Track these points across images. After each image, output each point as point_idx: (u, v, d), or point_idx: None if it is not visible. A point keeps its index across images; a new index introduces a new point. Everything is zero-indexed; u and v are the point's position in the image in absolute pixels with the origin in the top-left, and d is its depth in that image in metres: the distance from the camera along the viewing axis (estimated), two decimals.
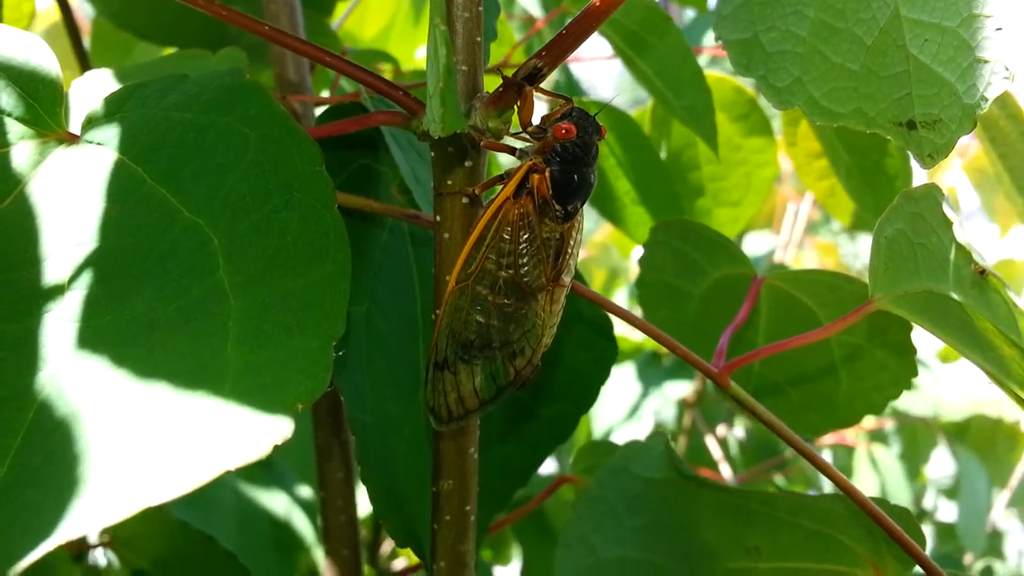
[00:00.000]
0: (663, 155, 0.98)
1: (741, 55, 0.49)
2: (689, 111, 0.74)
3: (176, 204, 0.38)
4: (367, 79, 0.44)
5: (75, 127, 0.44)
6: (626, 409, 1.61)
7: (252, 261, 0.37)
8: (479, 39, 0.44)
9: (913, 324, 0.60)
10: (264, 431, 0.32)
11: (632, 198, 0.87)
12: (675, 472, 0.61)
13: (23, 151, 0.41)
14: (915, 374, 0.61)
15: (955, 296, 0.39)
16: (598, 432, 1.60)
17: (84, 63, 0.89)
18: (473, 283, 0.44)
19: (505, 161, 1.09)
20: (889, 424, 1.81)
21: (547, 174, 0.43)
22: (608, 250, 2.00)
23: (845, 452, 1.67)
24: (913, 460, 1.82)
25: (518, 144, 0.45)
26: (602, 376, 0.62)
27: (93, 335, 0.36)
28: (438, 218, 0.46)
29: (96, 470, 0.32)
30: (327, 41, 0.76)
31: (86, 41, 1.02)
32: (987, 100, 0.40)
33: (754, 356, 0.48)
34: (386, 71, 0.88)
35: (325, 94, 0.87)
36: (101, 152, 0.41)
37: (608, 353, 0.62)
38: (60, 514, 0.31)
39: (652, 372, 1.59)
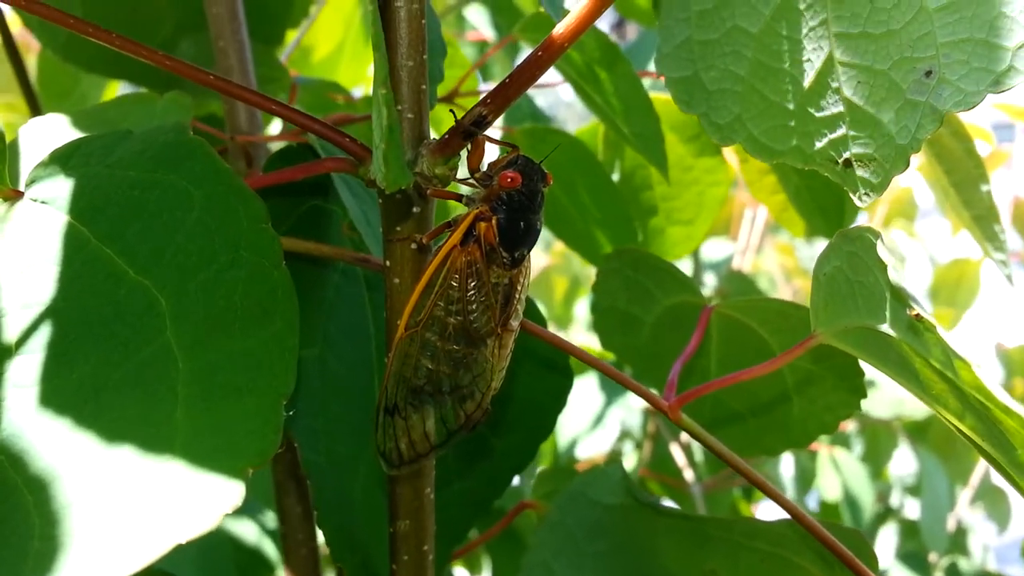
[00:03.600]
0: (616, 176, 0.98)
1: (683, 92, 0.50)
2: (639, 138, 0.74)
3: (122, 265, 0.38)
4: (313, 127, 0.44)
5: (21, 182, 0.43)
6: (590, 419, 1.62)
7: (200, 322, 0.37)
8: (424, 87, 0.44)
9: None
10: (214, 501, 0.32)
11: (586, 221, 0.88)
12: (632, 498, 0.62)
13: None
14: (864, 395, 0.62)
15: (892, 333, 0.40)
16: (563, 442, 1.61)
17: (28, 90, 0.88)
18: (422, 329, 0.44)
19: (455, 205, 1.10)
20: (851, 426, 1.83)
21: (494, 222, 0.44)
22: (570, 259, 2.01)
23: (808, 456, 1.69)
24: (875, 461, 1.84)
25: (465, 190, 0.46)
26: (557, 406, 0.63)
27: (40, 401, 0.36)
28: (388, 263, 0.46)
29: (47, 544, 0.32)
30: (275, 74, 0.76)
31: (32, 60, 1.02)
32: (919, 141, 0.41)
33: (704, 390, 0.49)
34: (338, 99, 0.88)
35: (277, 123, 0.87)
36: (45, 211, 0.41)
37: (563, 384, 0.62)
38: None
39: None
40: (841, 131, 0.44)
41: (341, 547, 0.52)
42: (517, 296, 0.46)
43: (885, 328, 0.41)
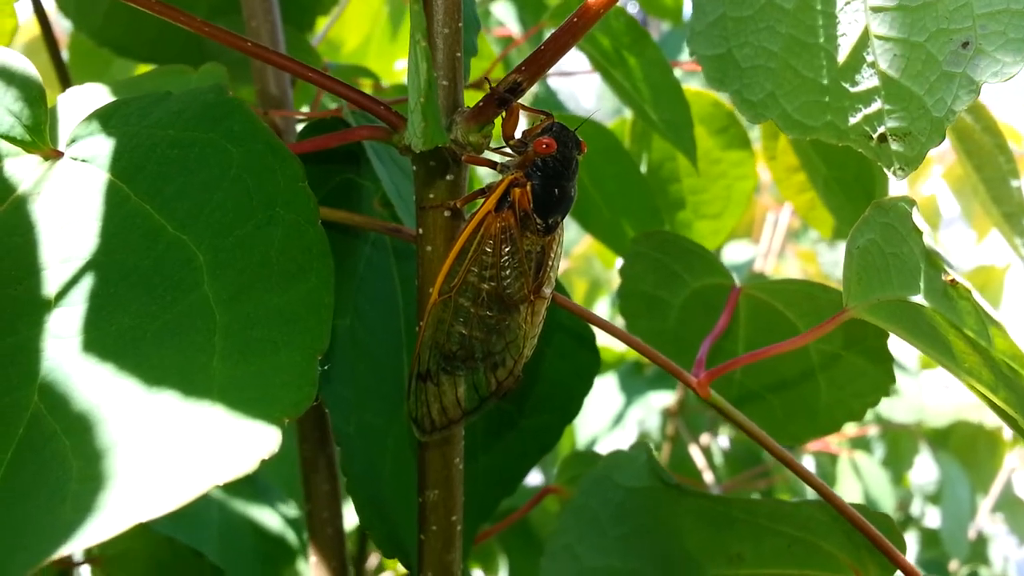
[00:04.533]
0: (643, 168, 0.99)
1: (715, 70, 0.49)
2: (668, 125, 0.75)
3: (161, 220, 0.39)
4: (349, 94, 0.45)
5: (60, 144, 0.44)
6: (610, 419, 1.62)
7: (237, 276, 0.38)
8: (459, 54, 0.44)
9: (889, 332, 0.61)
10: (251, 445, 0.33)
11: (612, 211, 0.88)
12: (658, 480, 0.62)
13: (7, 168, 0.42)
14: (892, 381, 0.62)
15: (926, 304, 0.40)
16: (582, 442, 1.61)
17: (64, 77, 0.89)
18: (456, 295, 0.45)
19: (485, 174, 1.10)
20: (872, 430, 1.82)
21: (528, 188, 0.44)
22: (590, 261, 2.01)
23: (828, 460, 1.68)
24: (896, 467, 1.83)
25: (499, 158, 0.46)
26: (585, 387, 0.63)
27: (80, 351, 0.36)
28: (420, 231, 0.46)
29: (85, 486, 0.33)
30: (307, 58, 0.77)
31: (65, 55, 1.03)
32: (955, 113, 0.41)
33: (732, 365, 0.49)
34: (366, 86, 0.88)
35: (306, 111, 0.88)
36: (86, 169, 0.41)
37: (590, 364, 0.62)
38: (52, 531, 0.32)
39: (634, 382, 1.60)
40: (876, 106, 0.44)
41: (370, 516, 0.52)
42: (550, 263, 0.46)
43: (919, 299, 0.40)
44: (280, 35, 0.70)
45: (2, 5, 0.58)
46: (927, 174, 1.86)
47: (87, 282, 0.38)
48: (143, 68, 1.00)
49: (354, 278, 0.55)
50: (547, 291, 0.47)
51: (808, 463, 1.75)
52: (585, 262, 2.02)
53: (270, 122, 0.66)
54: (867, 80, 0.45)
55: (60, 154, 0.43)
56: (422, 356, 0.46)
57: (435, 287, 0.45)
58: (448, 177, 0.45)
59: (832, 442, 1.66)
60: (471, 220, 0.44)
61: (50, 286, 0.38)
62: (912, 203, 0.41)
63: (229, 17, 0.77)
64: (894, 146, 0.44)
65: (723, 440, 1.91)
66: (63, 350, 0.37)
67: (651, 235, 0.66)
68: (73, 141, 0.43)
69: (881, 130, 0.44)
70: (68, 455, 0.34)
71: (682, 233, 0.99)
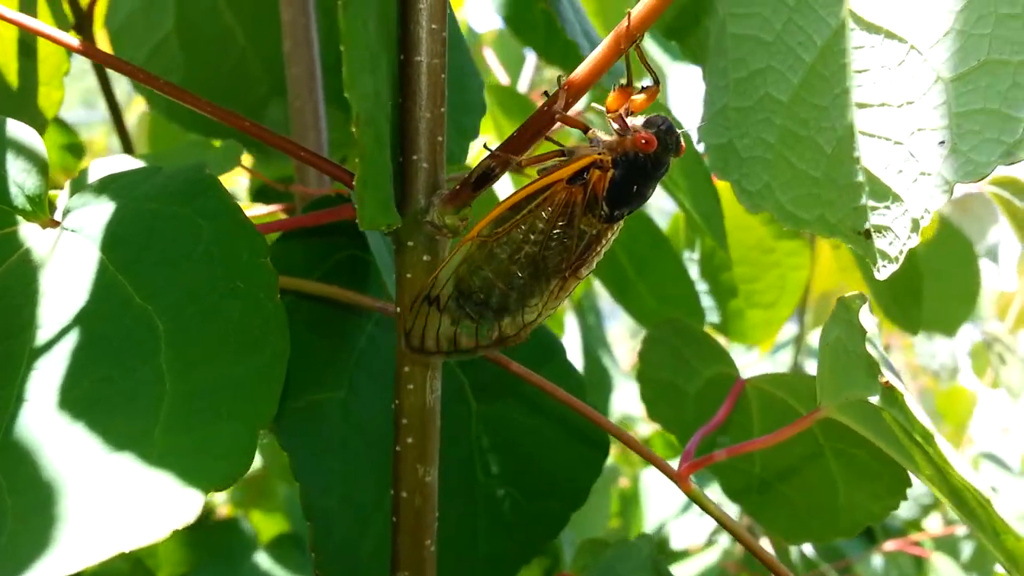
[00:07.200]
0: (696, 256, 0.98)
1: (719, 159, 0.50)
2: (701, 215, 0.74)
3: (131, 291, 0.41)
4: (334, 172, 0.46)
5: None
6: (679, 504, 1.59)
7: (193, 347, 0.39)
8: (440, 139, 0.45)
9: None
10: (167, 515, 0.33)
11: (653, 297, 0.88)
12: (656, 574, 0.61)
13: (9, 235, 0.44)
14: (909, 484, 0.60)
15: (880, 404, 0.39)
16: (650, 526, 1.58)
17: (127, 147, 0.95)
18: (494, 242, 0.43)
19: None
20: (958, 531, 1.73)
21: (609, 175, 0.42)
22: None
23: (908, 560, 1.60)
24: (983, 571, 1.74)
25: (596, 133, 0.44)
26: (592, 475, 0.62)
27: (40, 414, 0.38)
28: (398, 309, 0.47)
29: (19, 539, 0.34)
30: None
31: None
32: (929, 212, 0.40)
33: (710, 460, 0.48)
34: None
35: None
36: (74, 239, 0.43)
37: (596, 456, 0.62)
38: None
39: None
40: (862, 201, 0.44)
41: None
42: (598, 249, 0.44)
43: (875, 400, 0.39)
44: (322, 115, 0.73)
45: (50, 79, 0.62)
46: None
47: (59, 349, 0.40)
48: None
49: (353, 352, 0.55)
50: (584, 272, 0.45)
51: (877, 561, 1.68)
52: None
53: (300, 198, 0.68)
54: (854, 175, 0.44)
55: (57, 223, 0.45)
56: (438, 281, 0.44)
57: (477, 226, 0.43)
58: (425, 258, 0.46)
59: (913, 539, 1.60)
60: (541, 178, 0.43)
61: (24, 351, 0.40)
62: (864, 299, 0.40)
63: (286, 98, 0.81)
64: (878, 243, 0.43)
65: None
66: (25, 412, 0.38)
67: (668, 322, 0.66)
68: (68, 211, 0.45)
69: (866, 226, 0.44)
70: (7, 511, 0.35)
71: (733, 322, 0.98)
